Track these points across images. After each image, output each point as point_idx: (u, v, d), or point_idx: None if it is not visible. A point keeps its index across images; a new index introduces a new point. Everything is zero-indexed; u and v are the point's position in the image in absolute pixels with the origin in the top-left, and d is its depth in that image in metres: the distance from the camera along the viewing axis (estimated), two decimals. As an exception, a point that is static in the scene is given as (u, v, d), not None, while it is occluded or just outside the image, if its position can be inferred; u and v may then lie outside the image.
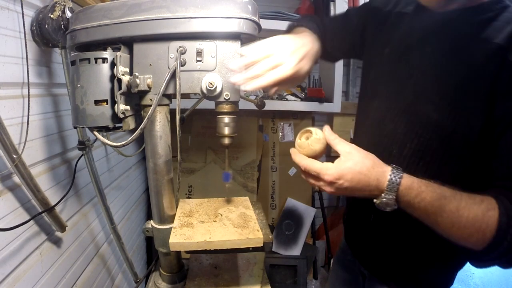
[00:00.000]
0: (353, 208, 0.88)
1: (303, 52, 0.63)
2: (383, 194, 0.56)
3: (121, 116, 0.57)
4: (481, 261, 0.58)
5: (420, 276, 0.76)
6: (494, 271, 2.55)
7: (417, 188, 0.56)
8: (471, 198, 0.55)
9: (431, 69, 0.64)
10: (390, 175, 0.56)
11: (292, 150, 0.64)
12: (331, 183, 0.57)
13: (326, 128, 0.63)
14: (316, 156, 0.62)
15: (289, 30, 0.83)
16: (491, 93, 0.56)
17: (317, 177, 0.59)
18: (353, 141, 0.78)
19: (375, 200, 0.58)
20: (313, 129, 0.63)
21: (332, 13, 1.73)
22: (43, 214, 0.75)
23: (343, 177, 0.56)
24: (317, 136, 0.61)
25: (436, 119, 0.62)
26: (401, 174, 0.56)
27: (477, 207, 0.54)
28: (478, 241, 0.54)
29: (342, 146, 0.60)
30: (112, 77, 0.57)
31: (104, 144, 0.91)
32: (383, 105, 0.72)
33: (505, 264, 0.56)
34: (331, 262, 1.80)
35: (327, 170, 0.58)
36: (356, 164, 0.57)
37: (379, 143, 0.71)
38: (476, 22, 0.59)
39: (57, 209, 0.79)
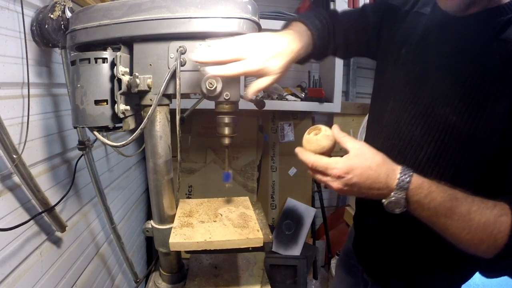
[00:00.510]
0: (363, 215, 0.86)
1: (274, 50, 0.59)
2: (392, 193, 0.54)
3: (121, 116, 0.57)
4: (492, 270, 0.56)
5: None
6: (494, 271, 2.55)
7: (428, 188, 0.54)
8: (483, 202, 0.53)
9: (449, 71, 0.62)
10: (400, 173, 0.54)
11: (297, 149, 0.62)
12: (339, 177, 0.55)
13: (335, 126, 0.62)
14: (323, 153, 0.61)
15: (285, 25, 0.78)
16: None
17: (325, 172, 0.57)
18: (368, 142, 0.76)
19: (383, 201, 0.55)
20: (322, 126, 0.62)
21: (332, 13, 1.73)
22: (43, 214, 0.75)
23: (352, 171, 0.54)
24: (326, 133, 0.61)
25: (454, 122, 0.59)
26: (411, 173, 0.54)
27: (490, 212, 0.52)
28: (489, 248, 0.52)
29: (351, 143, 0.58)
30: (112, 77, 0.57)
31: (104, 144, 0.90)
32: (398, 107, 0.70)
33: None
34: (331, 264, 1.80)
35: (335, 164, 0.56)
36: (366, 160, 0.55)
37: (393, 147, 0.69)
38: (496, 24, 0.58)
39: (57, 209, 0.79)
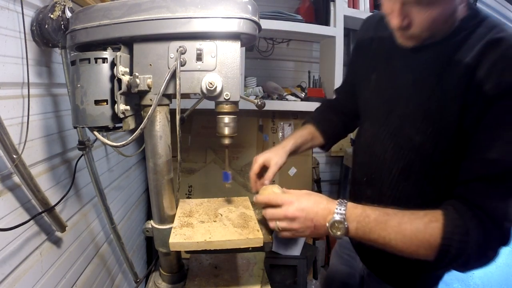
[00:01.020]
0: None
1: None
2: (335, 209, 0.62)
3: (121, 116, 0.57)
4: (441, 268, 0.61)
5: (416, 278, 0.80)
6: (494, 271, 2.55)
7: (362, 207, 0.62)
8: (413, 214, 0.60)
9: (413, 97, 0.68)
10: (338, 200, 0.64)
11: (255, 197, 0.72)
12: (291, 203, 0.64)
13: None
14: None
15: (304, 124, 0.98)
16: (462, 109, 0.60)
17: (280, 205, 0.65)
18: (352, 158, 0.93)
19: (327, 224, 0.62)
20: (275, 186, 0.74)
21: (332, 13, 1.73)
22: (43, 214, 0.75)
23: (302, 197, 0.65)
24: (277, 190, 0.72)
25: (419, 141, 0.67)
26: (346, 201, 0.63)
27: (420, 221, 0.58)
28: (427, 252, 0.58)
29: (296, 191, 0.69)
30: (112, 77, 0.57)
31: (104, 144, 0.91)
32: (373, 129, 0.79)
33: (460, 268, 0.60)
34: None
35: (288, 195, 0.67)
36: (309, 193, 0.67)
37: (371, 163, 0.79)
38: (452, 44, 0.62)
39: (57, 209, 0.79)
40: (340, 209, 0.61)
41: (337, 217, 0.61)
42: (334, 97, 1.04)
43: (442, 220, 0.58)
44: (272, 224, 0.66)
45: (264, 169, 0.84)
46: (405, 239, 0.58)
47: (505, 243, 0.59)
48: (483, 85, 0.56)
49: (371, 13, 0.93)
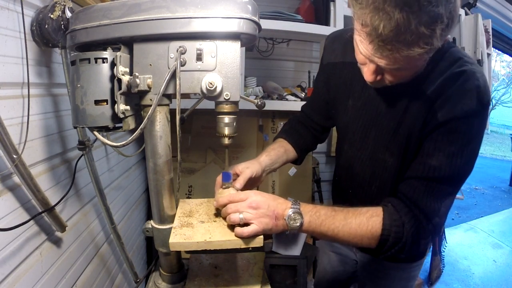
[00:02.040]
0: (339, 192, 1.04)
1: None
2: (291, 205, 0.69)
3: (121, 116, 0.57)
4: (384, 254, 0.72)
5: None
6: (494, 271, 2.55)
7: (313, 205, 0.72)
8: (357, 210, 0.71)
9: (386, 123, 0.78)
10: (292, 200, 0.71)
11: (215, 201, 0.74)
12: (254, 195, 0.69)
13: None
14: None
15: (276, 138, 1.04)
16: (422, 130, 0.71)
17: (240, 200, 0.69)
18: (335, 170, 1.04)
19: (285, 216, 0.68)
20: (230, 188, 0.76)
21: (332, 13, 1.73)
22: (43, 214, 0.75)
23: (262, 193, 0.71)
24: (233, 192, 0.74)
25: (391, 163, 0.80)
26: (298, 201, 0.71)
27: (363, 216, 0.70)
28: (370, 241, 0.69)
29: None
30: (112, 77, 0.57)
31: (104, 144, 0.91)
32: (352, 151, 0.89)
33: (398, 254, 0.70)
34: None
35: (249, 191, 0.72)
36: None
37: (352, 181, 0.91)
38: (419, 78, 0.67)
39: (57, 209, 0.79)
40: (295, 205, 0.70)
41: (294, 210, 0.68)
42: (301, 113, 1.08)
43: (381, 215, 0.70)
44: (234, 217, 0.66)
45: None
46: (351, 231, 0.69)
47: (435, 234, 0.73)
48: (437, 113, 0.68)
49: (333, 32, 0.95)
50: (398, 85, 0.69)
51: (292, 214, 0.68)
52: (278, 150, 0.96)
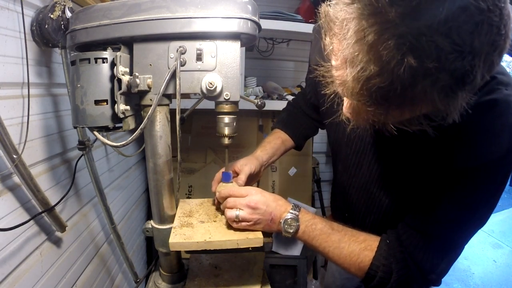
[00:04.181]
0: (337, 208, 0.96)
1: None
2: (290, 210, 0.66)
3: (121, 116, 0.57)
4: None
5: None
6: (494, 271, 2.55)
7: (312, 215, 0.68)
8: (354, 236, 0.65)
9: (381, 155, 0.69)
10: (292, 204, 0.68)
11: (217, 192, 0.74)
12: (255, 193, 0.67)
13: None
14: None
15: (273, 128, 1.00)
16: (430, 176, 0.58)
17: (243, 196, 0.68)
18: (332, 187, 0.97)
19: (281, 220, 0.66)
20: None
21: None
22: (43, 214, 0.75)
23: (264, 191, 0.69)
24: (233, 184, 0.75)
25: (387, 203, 0.71)
26: (300, 206, 0.68)
27: (357, 245, 0.64)
28: (356, 272, 0.64)
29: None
30: (112, 77, 0.57)
31: (104, 144, 0.91)
32: (345, 176, 0.81)
33: None
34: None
35: (252, 187, 0.71)
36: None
37: (348, 206, 0.83)
38: None
39: (57, 209, 0.79)
40: (294, 211, 0.66)
41: (292, 216, 0.66)
42: (296, 100, 1.03)
43: (375, 251, 0.63)
44: (230, 214, 0.66)
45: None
46: (341, 256, 0.65)
47: (429, 286, 0.64)
48: (455, 156, 0.52)
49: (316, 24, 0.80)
50: None
51: (289, 220, 0.66)
52: (275, 143, 0.92)
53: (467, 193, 0.54)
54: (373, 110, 0.41)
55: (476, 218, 0.56)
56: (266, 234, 0.68)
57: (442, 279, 0.83)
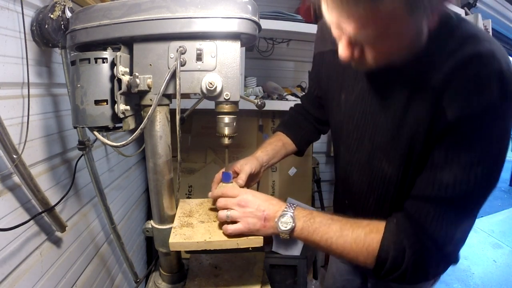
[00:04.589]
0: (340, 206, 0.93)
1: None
2: (285, 209, 0.64)
3: (121, 116, 0.57)
4: (383, 279, 0.60)
5: None
6: (494, 271, 2.55)
7: (309, 211, 0.65)
8: (356, 222, 0.61)
9: (382, 124, 0.65)
10: (287, 202, 0.66)
11: (210, 193, 0.75)
12: (245, 193, 0.66)
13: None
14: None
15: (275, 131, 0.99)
16: (428, 133, 0.57)
17: (232, 196, 0.67)
18: (335, 173, 0.91)
19: (276, 218, 0.63)
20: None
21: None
22: (43, 214, 0.75)
23: (257, 192, 0.68)
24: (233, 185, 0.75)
25: (391, 173, 0.66)
26: (295, 205, 0.65)
27: (361, 230, 0.60)
28: (366, 260, 0.59)
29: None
30: (112, 77, 0.57)
31: (104, 144, 0.91)
32: (347, 156, 0.77)
33: (399, 281, 0.58)
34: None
35: (244, 188, 0.71)
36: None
37: (350, 191, 0.79)
38: (418, 65, 0.56)
39: (57, 209, 0.79)
40: (289, 209, 0.64)
41: (286, 213, 0.63)
42: (301, 104, 1.03)
43: (382, 232, 0.59)
44: (221, 215, 0.65)
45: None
46: (346, 245, 0.60)
47: (448, 263, 0.59)
48: (447, 111, 0.52)
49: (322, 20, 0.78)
50: (393, 72, 0.58)
51: (284, 218, 0.63)
52: (276, 145, 0.91)
53: (467, 148, 0.52)
54: (356, 18, 0.47)
55: (484, 177, 0.52)
56: (265, 237, 0.68)
57: (442, 279, 0.82)
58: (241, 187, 0.75)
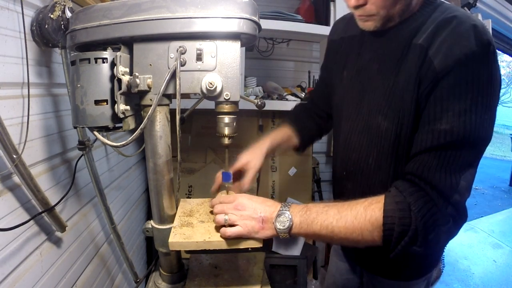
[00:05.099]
0: None
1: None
2: (280, 208, 0.65)
3: (121, 116, 0.57)
4: (395, 251, 0.59)
5: (406, 262, 0.80)
6: (494, 271, 2.55)
7: (304, 205, 0.65)
8: (354, 202, 0.62)
9: (379, 84, 0.70)
10: (282, 203, 0.66)
11: (211, 202, 0.74)
12: (241, 197, 0.67)
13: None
14: None
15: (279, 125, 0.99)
16: (418, 88, 0.62)
17: (229, 202, 0.68)
18: (332, 156, 0.95)
19: (273, 218, 0.64)
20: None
21: (332, 13, 1.73)
22: (43, 214, 0.75)
23: (253, 196, 0.69)
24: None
25: (386, 126, 0.69)
26: (290, 203, 0.66)
27: (360, 205, 0.60)
28: (372, 234, 0.58)
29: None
30: (112, 77, 0.57)
31: (104, 144, 0.91)
32: (348, 125, 0.80)
33: (411, 247, 0.57)
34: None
35: (241, 194, 0.72)
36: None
37: (349, 157, 0.80)
38: (410, 30, 0.65)
39: (57, 209, 0.79)
40: (284, 208, 0.65)
41: (283, 212, 0.64)
42: (308, 99, 1.06)
43: (382, 201, 0.59)
44: (219, 219, 0.65)
45: (238, 173, 0.83)
46: (347, 225, 0.59)
47: (458, 217, 0.58)
48: (433, 61, 0.58)
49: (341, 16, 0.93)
50: (390, 38, 0.67)
51: (281, 217, 0.63)
52: (282, 138, 0.93)
53: (458, 96, 0.56)
54: None
55: (478, 121, 0.56)
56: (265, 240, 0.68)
57: (442, 279, 0.83)
58: (246, 189, 0.77)
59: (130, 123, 0.61)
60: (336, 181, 0.92)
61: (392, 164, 0.71)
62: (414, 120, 0.64)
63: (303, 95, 1.86)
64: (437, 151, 0.57)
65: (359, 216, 0.59)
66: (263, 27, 0.63)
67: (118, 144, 0.57)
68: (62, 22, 0.73)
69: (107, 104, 0.57)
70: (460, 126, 0.56)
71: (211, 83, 0.57)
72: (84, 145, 0.89)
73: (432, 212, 0.56)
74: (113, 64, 0.56)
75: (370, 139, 0.73)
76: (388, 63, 0.69)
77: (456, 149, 0.57)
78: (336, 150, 0.91)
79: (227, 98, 0.60)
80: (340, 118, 0.85)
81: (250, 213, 0.65)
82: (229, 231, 0.63)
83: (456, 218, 0.58)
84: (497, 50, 0.59)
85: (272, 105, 1.75)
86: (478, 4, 2.39)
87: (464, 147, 0.57)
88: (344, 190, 0.84)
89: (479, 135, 0.57)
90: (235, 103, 0.62)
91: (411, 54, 0.63)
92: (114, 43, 0.58)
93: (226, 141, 0.66)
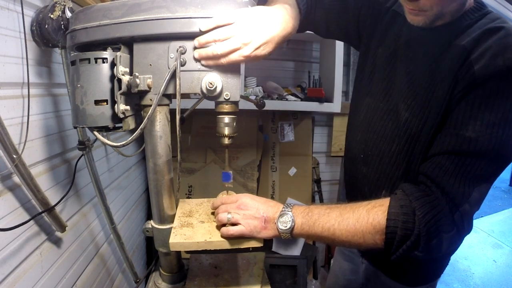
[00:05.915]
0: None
1: (267, 35, 0.59)
2: (282, 208, 0.65)
3: (121, 116, 0.57)
4: (396, 254, 0.59)
5: (412, 267, 0.79)
6: (494, 271, 2.55)
7: (306, 206, 0.66)
8: (357, 204, 0.61)
9: (410, 73, 0.68)
10: (284, 204, 0.66)
11: (212, 203, 0.74)
12: (244, 197, 0.68)
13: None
14: None
15: None
16: (451, 88, 0.59)
17: (231, 202, 0.68)
18: (346, 135, 0.89)
19: (276, 218, 0.64)
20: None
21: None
22: (43, 214, 0.75)
23: (255, 196, 0.69)
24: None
25: (406, 117, 0.66)
26: (292, 204, 0.66)
27: (362, 208, 0.60)
28: (375, 238, 0.58)
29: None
30: (112, 77, 0.57)
31: (104, 144, 0.90)
32: (374, 103, 0.76)
33: (412, 252, 0.57)
34: (331, 264, 1.81)
35: (239, 195, 0.71)
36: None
37: (368, 140, 0.76)
38: (454, 30, 0.62)
39: (57, 209, 0.79)
40: (286, 209, 0.65)
41: (285, 212, 0.64)
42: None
43: (387, 204, 0.58)
44: (222, 217, 0.65)
45: None
46: (349, 228, 0.59)
47: (463, 228, 0.57)
48: (474, 65, 0.56)
49: None
50: (433, 35, 0.64)
51: (283, 217, 0.64)
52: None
53: (491, 107, 0.54)
54: None
55: (507, 137, 0.54)
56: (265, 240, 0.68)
57: (442, 279, 0.82)
58: None
59: (130, 123, 0.61)
60: (350, 164, 0.86)
61: (406, 158, 0.68)
62: (441, 120, 0.61)
63: (303, 95, 1.86)
64: (457, 156, 0.56)
65: (361, 219, 0.59)
66: (263, 27, 0.62)
67: (118, 144, 0.57)
68: (62, 22, 0.73)
69: (107, 104, 0.57)
70: (486, 138, 0.54)
71: (211, 83, 0.57)
72: (84, 145, 0.89)
73: (437, 218, 0.55)
74: (113, 64, 0.56)
75: (396, 125, 0.70)
76: (423, 55, 0.66)
77: (476, 159, 0.55)
78: (354, 127, 0.84)
79: (227, 98, 0.60)
80: (366, 93, 0.80)
81: (253, 213, 0.65)
82: (232, 230, 0.64)
83: (460, 228, 0.57)
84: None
85: (272, 105, 1.75)
86: (478, 4, 2.39)
87: (485, 159, 0.55)
88: (358, 174, 0.80)
89: (503, 151, 0.55)
90: (235, 103, 0.62)
91: (452, 53, 0.60)
92: (114, 43, 0.58)
93: (226, 141, 0.66)
